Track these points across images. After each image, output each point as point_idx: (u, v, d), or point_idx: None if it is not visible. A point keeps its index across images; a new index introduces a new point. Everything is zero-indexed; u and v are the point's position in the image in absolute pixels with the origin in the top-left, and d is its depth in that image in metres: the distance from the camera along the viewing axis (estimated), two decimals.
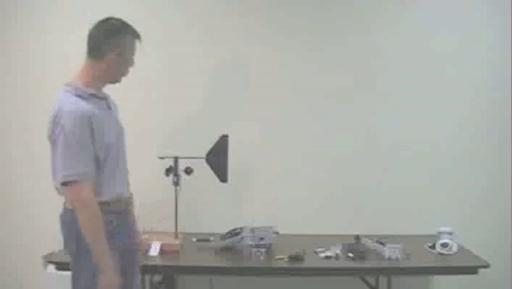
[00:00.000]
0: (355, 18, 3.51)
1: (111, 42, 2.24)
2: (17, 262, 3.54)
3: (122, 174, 2.37)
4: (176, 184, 3.13)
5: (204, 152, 3.14)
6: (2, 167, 3.55)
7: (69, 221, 2.21)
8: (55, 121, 2.15)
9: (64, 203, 2.26)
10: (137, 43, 2.33)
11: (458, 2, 3.53)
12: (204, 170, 3.14)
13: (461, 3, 3.53)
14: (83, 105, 2.17)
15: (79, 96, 2.19)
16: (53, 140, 2.17)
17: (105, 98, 2.35)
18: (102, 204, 2.20)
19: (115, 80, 2.34)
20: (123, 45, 2.27)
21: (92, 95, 2.24)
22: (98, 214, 2.15)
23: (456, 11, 3.51)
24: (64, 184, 2.14)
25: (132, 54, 2.33)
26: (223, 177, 3.14)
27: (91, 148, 2.16)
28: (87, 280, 2.19)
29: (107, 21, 2.29)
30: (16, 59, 3.50)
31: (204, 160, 3.14)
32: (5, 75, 3.51)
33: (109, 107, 2.35)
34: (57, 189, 2.25)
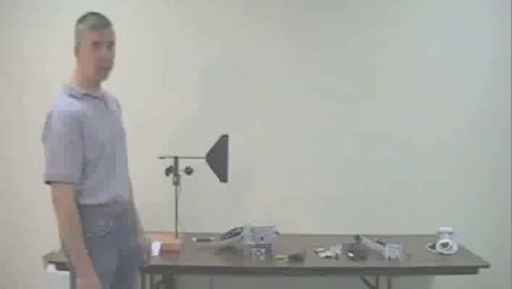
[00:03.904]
0: (355, 19, 3.51)
1: (75, 36, 2.22)
2: (17, 262, 3.54)
3: (120, 175, 2.32)
4: (176, 184, 3.13)
5: (204, 152, 3.14)
6: (2, 167, 3.55)
7: None
8: (46, 122, 2.14)
9: None
10: (97, 32, 2.18)
11: (458, 2, 3.53)
12: (204, 170, 3.14)
13: (461, 3, 3.53)
14: (74, 105, 2.15)
15: (72, 96, 2.17)
16: (43, 141, 2.15)
17: (103, 97, 2.29)
18: (97, 206, 2.20)
19: (93, 75, 2.22)
20: (80, 36, 2.20)
21: (87, 95, 2.21)
22: (75, 218, 2.12)
23: (456, 11, 3.50)
24: (47, 183, 2.13)
25: (90, 44, 2.17)
26: (223, 177, 3.14)
27: (78, 149, 2.13)
28: None
29: None
30: (16, 59, 3.49)
31: (204, 160, 3.13)
32: (4, 74, 3.51)
33: (106, 107, 2.30)
34: None
